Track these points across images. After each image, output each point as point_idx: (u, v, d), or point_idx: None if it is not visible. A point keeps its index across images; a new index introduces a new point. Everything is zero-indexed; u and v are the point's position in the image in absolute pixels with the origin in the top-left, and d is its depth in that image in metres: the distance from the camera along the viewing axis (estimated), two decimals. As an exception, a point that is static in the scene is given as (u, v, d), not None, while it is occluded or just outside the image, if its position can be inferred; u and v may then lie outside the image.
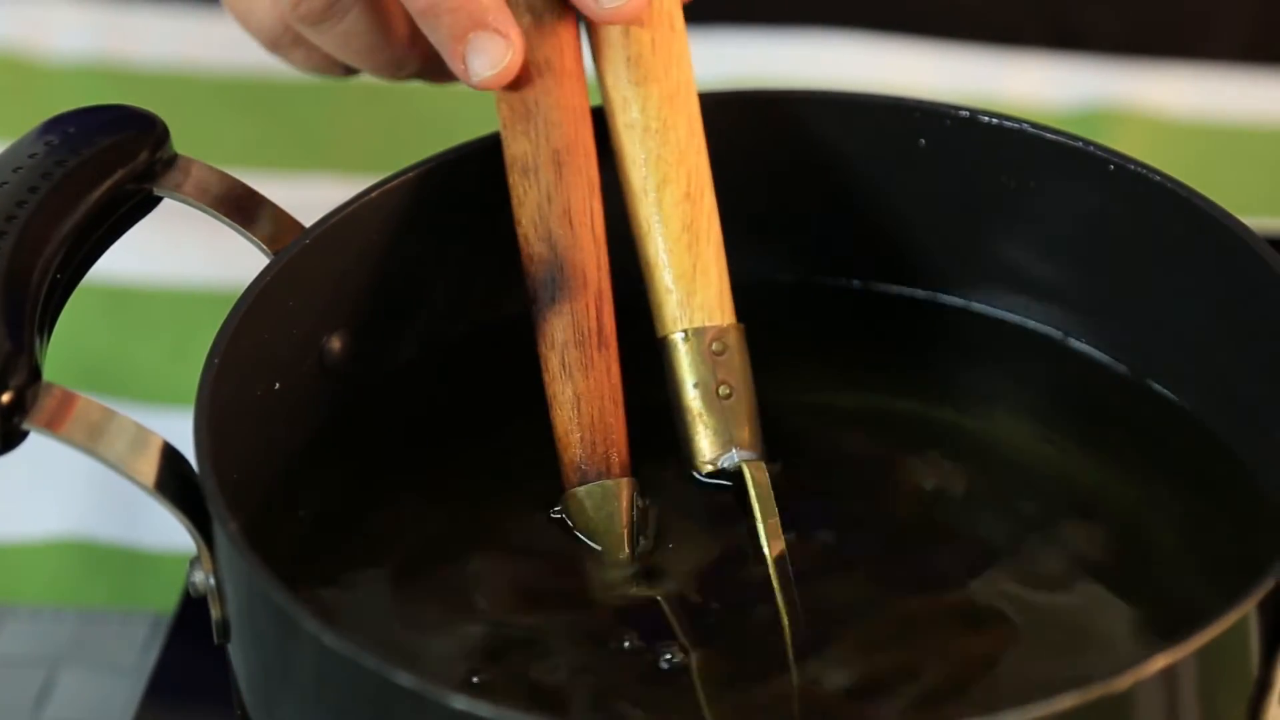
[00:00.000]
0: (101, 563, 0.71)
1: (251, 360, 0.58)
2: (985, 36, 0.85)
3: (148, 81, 0.85)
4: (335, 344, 0.61)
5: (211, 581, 0.55)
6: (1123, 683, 0.50)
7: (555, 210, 0.59)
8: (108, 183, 0.58)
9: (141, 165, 0.59)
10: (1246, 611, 0.51)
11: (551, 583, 0.58)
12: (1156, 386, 0.61)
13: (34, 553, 0.71)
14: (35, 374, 0.55)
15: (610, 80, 0.60)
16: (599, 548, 0.58)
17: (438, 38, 0.59)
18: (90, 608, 0.70)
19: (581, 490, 0.59)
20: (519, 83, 0.59)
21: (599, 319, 0.59)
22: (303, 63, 0.65)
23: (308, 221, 0.60)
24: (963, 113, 0.62)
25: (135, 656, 0.68)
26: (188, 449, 0.55)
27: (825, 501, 0.60)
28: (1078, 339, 0.63)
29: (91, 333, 0.77)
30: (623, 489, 0.59)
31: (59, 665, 0.68)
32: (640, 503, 0.59)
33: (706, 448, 0.59)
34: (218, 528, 0.54)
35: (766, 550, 0.57)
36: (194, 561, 0.55)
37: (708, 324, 0.59)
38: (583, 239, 0.59)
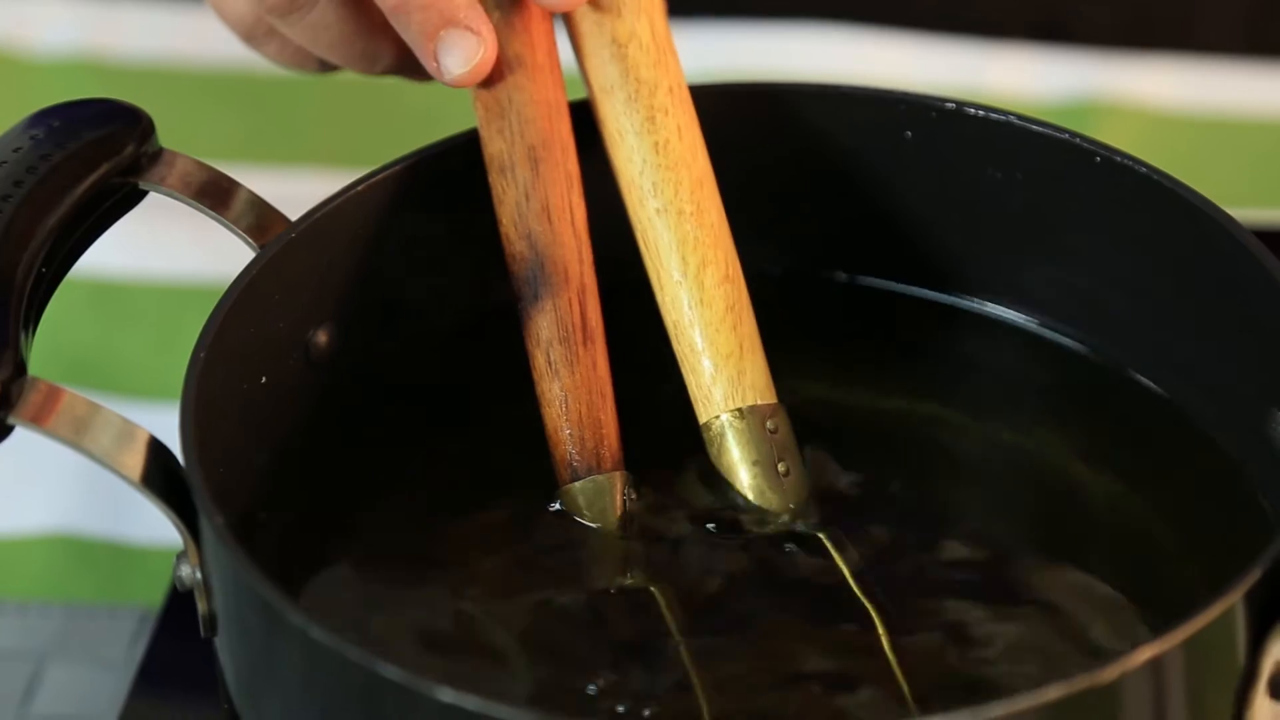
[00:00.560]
0: (88, 557, 0.71)
1: (237, 354, 0.58)
2: (974, 29, 0.85)
3: (133, 75, 0.85)
4: (321, 337, 0.61)
5: (198, 575, 0.55)
6: (1109, 674, 0.50)
7: (534, 207, 0.59)
8: (93, 177, 0.58)
9: (127, 159, 0.59)
10: (1233, 603, 0.51)
11: (542, 575, 0.58)
12: (1141, 378, 0.61)
13: (21, 547, 0.71)
14: (21, 368, 0.55)
15: (636, 169, 0.60)
16: (594, 539, 0.58)
17: (409, 35, 0.59)
18: (77, 602, 0.70)
19: (575, 486, 0.59)
20: (491, 80, 0.59)
21: (583, 314, 0.59)
22: (277, 55, 0.65)
23: (293, 215, 0.60)
24: (949, 105, 0.62)
25: (122, 650, 0.68)
26: (174, 443, 0.55)
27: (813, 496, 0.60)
28: (1063, 331, 0.63)
29: (77, 327, 0.77)
30: (615, 483, 0.59)
31: (46, 659, 0.68)
32: (633, 495, 0.59)
33: (773, 524, 0.59)
34: (204, 522, 0.54)
35: (861, 596, 0.57)
36: (180, 556, 0.55)
37: (760, 402, 0.59)
38: (563, 235, 0.59)
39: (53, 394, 0.54)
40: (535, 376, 0.60)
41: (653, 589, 0.57)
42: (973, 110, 0.62)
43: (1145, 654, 0.50)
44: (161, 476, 0.54)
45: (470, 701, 0.49)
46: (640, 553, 0.59)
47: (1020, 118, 0.61)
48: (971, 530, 0.59)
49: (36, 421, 0.54)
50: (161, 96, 0.83)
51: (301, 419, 0.60)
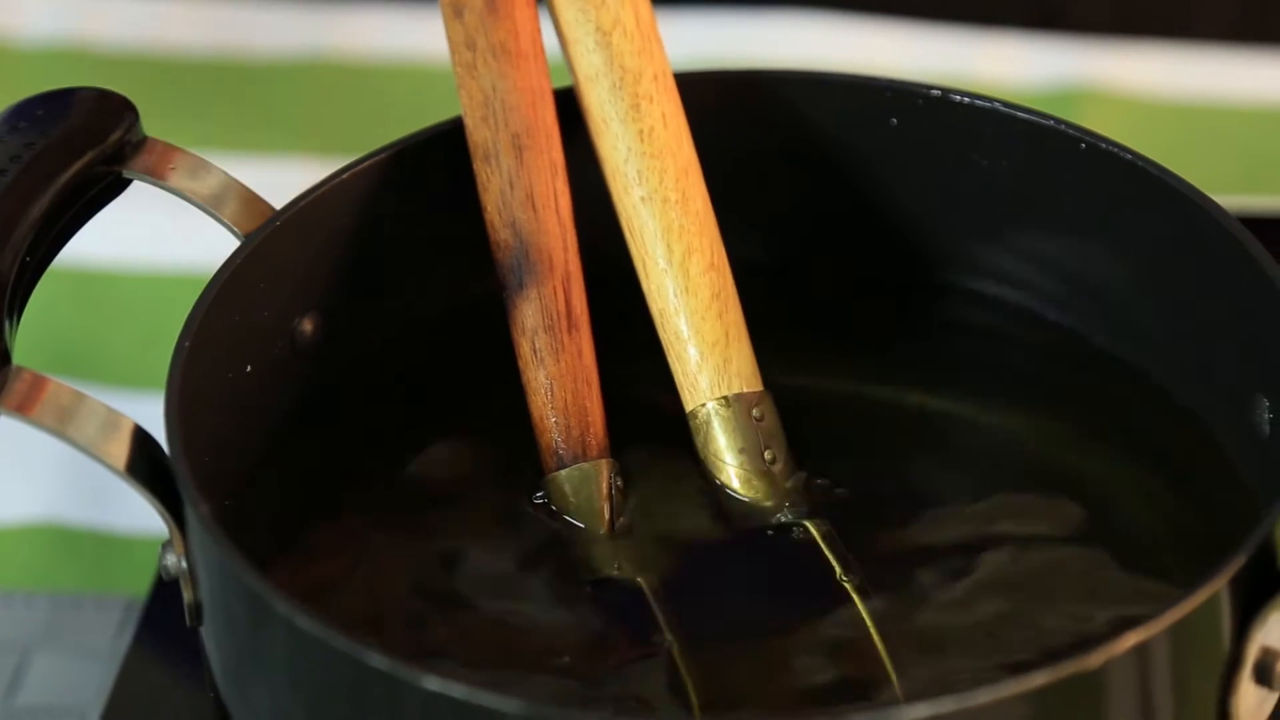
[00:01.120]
0: (74, 547, 0.71)
1: (223, 343, 0.58)
2: (962, 16, 0.85)
3: (117, 64, 0.85)
4: (307, 326, 0.61)
5: (183, 564, 0.55)
6: (1095, 660, 0.50)
7: (518, 195, 0.59)
8: (77, 165, 0.58)
9: (111, 148, 0.59)
10: (1218, 588, 0.51)
11: (529, 565, 0.58)
12: (1129, 363, 0.61)
13: (6, 537, 0.71)
14: (5, 358, 0.55)
15: (621, 156, 0.60)
16: (580, 527, 0.58)
17: None
18: (63, 592, 0.70)
19: (561, 474, 0.59)
20: (476, 68, 0.59)
21: (567, 302, 0.59)
22: None
23: (278, 203, 0.60)
24: (934, 92, 0.62)
25: (108, 640, 0.68)
26: (159, 432, 0.55)
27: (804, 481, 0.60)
28: (1050, 316, 0.63)
29: (62, 316, 0.77)
30: (601, 470, 0.59)
31: (32, 650, 0.68)
32: (619, 483, 0.59)
33: (760, 512, 0.59)
34: (189, 511, 0.54)
35: (849, 587, 0.57)
36: (166, 545, 0.55)
37: (746, 390, 0.59)
38: (547, 222, 0.59)
39: (37, 383, 0.54)
40: (520, 364, 0.60)
41: (638, 578, 0.57)
42: (958, 97, 0.62)
43: (1131, 640, 0.50)
44: (146, 465, 0.54)
45: (456, 689, 0.49)
46: (626, 541, 0.59)
47: (1005, 105, 0.61)
48: (958, 515, 0.59)
49: (21, 411, 0.54)
50: (146, 85, 0.83)
51: (287, 408, 0.60)
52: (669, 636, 0.56)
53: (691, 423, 0.60)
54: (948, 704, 0.49)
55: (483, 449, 0.61)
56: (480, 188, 0.60)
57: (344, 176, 0.60)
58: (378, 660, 0.50)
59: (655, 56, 0.60)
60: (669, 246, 0.60)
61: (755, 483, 0.59)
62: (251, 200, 0.60)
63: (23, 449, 0.72)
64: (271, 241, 0.59)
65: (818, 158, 0.63)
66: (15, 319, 0.56)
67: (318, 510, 0.59)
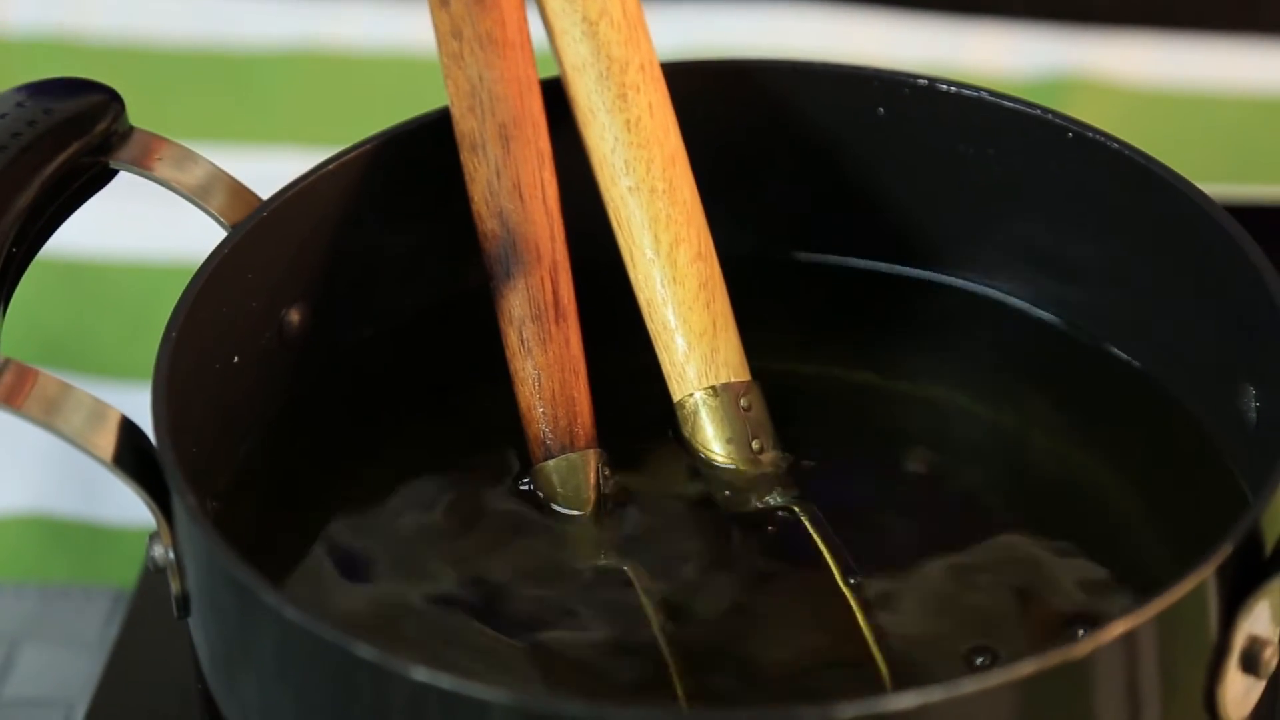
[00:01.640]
0: (62, 538, 0.71)
1: (209, 334, 0.58)
2: (949, 5, 0.85)
3: (103, 54, 0.85)
4: (294, 317, 0.61)
5: (171, 556, 0.55)
6: (1082, 649, 0.50)
7: (505, 185, 0.59)
8: (63, 156, 0.58)
9: (97, 138, 0.59)
10: (1205, 577, 0.51)
11: (518, 555, 0.58)
12: (1114, 352, 0.61)
13: (-6, 529, 0.71)
14: (-9, 349, 0.54)
15: (608, 146, 0.60)
16: (568, 517, 0.58)
17: None
18: (51, 583, 0.70)
19: (549, 464, 0.59)
20: (462, 58, 0.59)
21: (555, 292, 0.59)
22: None
23: (265, 194, 0.60)
24: (921, 81, 0.62)
25: (96, 631, 0.68)
26: (147, 423, 0.55)
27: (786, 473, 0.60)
28: (1037, 306, 0.63)
29: (49, 307, 0.76)
30: (589, 460, 0.59)
31: (20, 641, 0.68)
32: (607, 473, 0.59)
33: (747, 500, 0.59)
34: (176, 502, 0.54)
35: (837, 574, 0.57)
36: (153, 536, 0.55)
37: (734, 380, 0.59)
38: (534, 212, 0.59)
39: (24, 374, 0.54)
40: (508, 355, 0.60)
41: (626, 567, 0.57)
42: (945, 87, 0.62)
43: (1118, 629, 0.50)
44: (133, 457, 0.54)
45: (444, 680, 0.49)
46: (614, 531, 0.59)
47: (992, 94, 0.61)
48: (945, 504, 0.59)
49: (8, 402, 0.54)
50: (132, 75, 0.83)
51: (275, 398, 0.60)
52: (656, 626, 0.56)
53: (679, 412, 0.60)
54: (936, 693, 0.49)
55: (470, 439, 0.61)
56: (467, 178, 0.60)
57: (330, 167, 0.60)
58: (365, 651, 0.50)
59: (642, 46, 0.60)
60: (656, 236, 0.60)
61: (743, 472, 0.59)
62: (238, 191, 0.60)
63: (10, 440, 0.72)
64: (258, 232, 0.59)
65: (804, 147, 0.63)
66: (2, 310, 0.56)
67: (306, 500, 0.59)
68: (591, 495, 0.59)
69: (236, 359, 0.59)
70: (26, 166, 0.57)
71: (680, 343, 0.60)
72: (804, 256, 0.65)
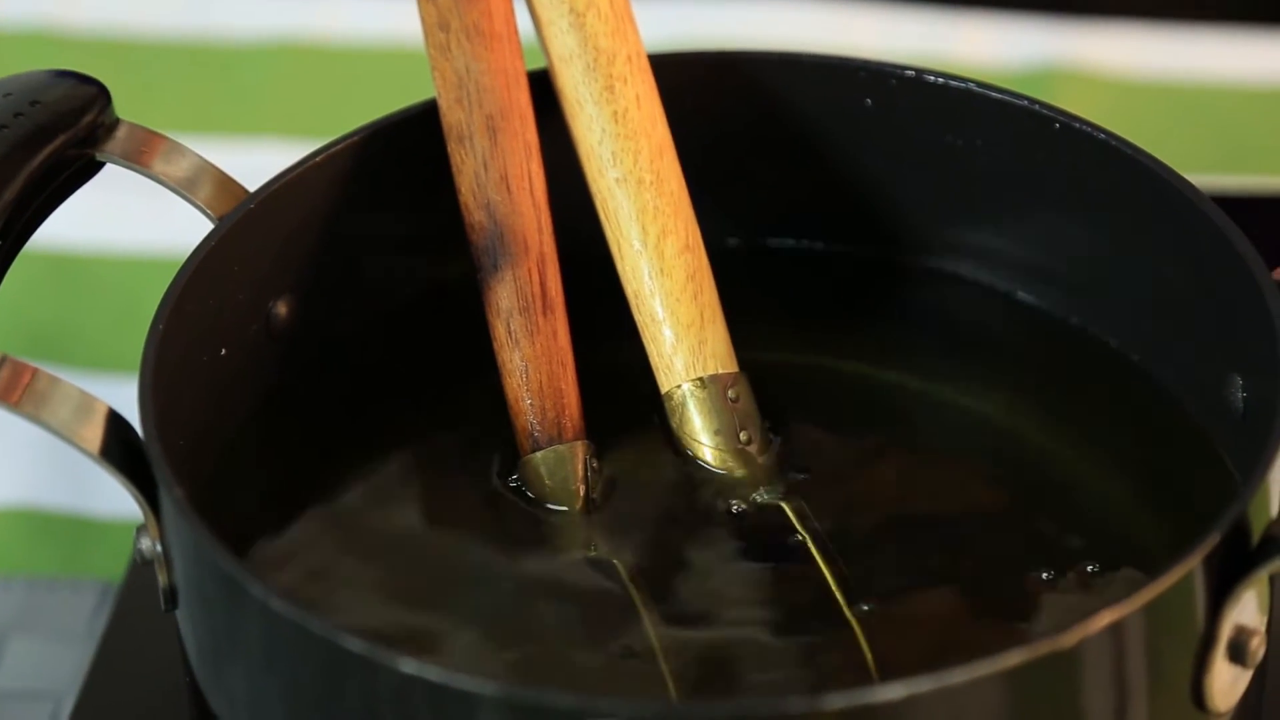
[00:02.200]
0: (49, 531, 0.71)
1: (197, 326, 0.58)
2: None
3: (89, 46, 0.85)
4: (281, 309, 0.60)
5: (158, 548, 0.55)
6: (1070, 639, 0.50)
7: (492, 177, 0.59)
8: (49, 148, 0.58)
9: (83, 130, 0.59)
10: (1192, 567, 0.51)
11: (505, 547, 0.58)
12: (1102, 340, 0.61)
13: (-19, 522, 0.71)
14: (-22, 342, 0.54)
15: (596, 138, 0.60)
16: (556, 509, 0.58)
17: None
18: (39, 576, 0.70)
19: (536, 456, 0.59)
20: (449, 50, 0.59)
21: (542, 284, 0.59)
22: None
23: (252, 186, 0.60)
24: (908, 72, 0.62)
25: (84, 624, 0.68)
26: (134, 416, 0.55)
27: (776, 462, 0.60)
28: (1024, 294, 0.63)
29: (35, 300, 0.76)
30: (576, 452, 0.59)
31: (8, 634, 0.68)
32: (595, 464, 0.59)
33: (735, 492, 0.59)
34: (163, 494, 0.53)
35: (824, 565, 0.57)
36: (141, 529, 0.55)
37: (721, 371, 0.59)
38: (521, 204, 0.59)
39: (11, 367, 0.54)
40: (496, 347, 0.60)
41: (614, 560, 0.57)
42: (932, 78, 0.62)
43: (1105, 618, 0.50)
44: (121, 449, 0.54)
45: (432, 672, 0.49)
46: (602, 523, 0.59)
47: (979, 85, 0.61)
48: (934, 494, 0.59)
49: (4, 399, 0.54)
50: (119, 67, 0.83)
51: (262, 391, 0.60)
52: (645, 618, 0.56)
53: (667, 404, 0.60)
54: (924, 684, 0.49)
55: (458, 432, 0.61)
56: (454, 170, 0.60)
57: (318, 159, 0.60)
58: (353, 643, 0.50)
59: (629, 37, 0.60)
60: (644, 228, 0.60)
61: (731, 463, 0.59)
62: (225, 183, 0.60)
63: (-3, 433, 0.72)
64: (245, 224, 0.59)
65: (792, 138, 0.63)
66: (-11, 303, 0.56)
67: (294, 493, 0.59)
68: (579, 487, 0.59)
69: (224, 351, 0.59)
70: (12, 159, 0.57)
71: (668, 334, 0.60)
72: (792, 247, 0.65)
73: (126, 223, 0.78)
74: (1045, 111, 0.60)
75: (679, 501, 0.59)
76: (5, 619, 0.68)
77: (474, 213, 0.60)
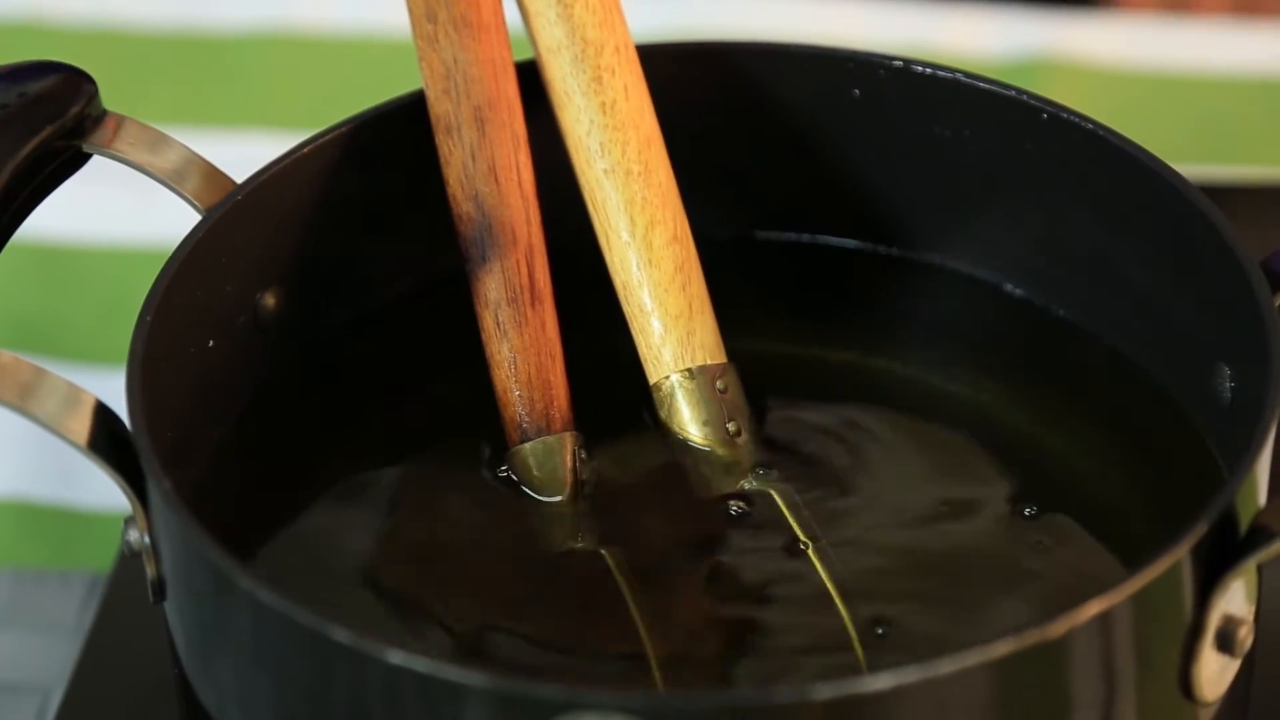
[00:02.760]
0: (38, 523, 0.71)
1: (184, 318, 0.57)
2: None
3: (76, 37, 0.85)
4: (269, 301, 0.60)
5: (146, 540, 0.54)
6: (1058, 629, 0.50)
7: (480, 168, 0.59)
8: (36, 140, 0.58)
9: (70, 122, 0.59)
10: (1180, 556, 0.51)
11: (494, 539, 0.58)
12: (1091, 332, 0.62)
13: (-31, 514, 0.71)
14: (-35, 334, 0.54)
15: (584, 129, 0.60)
16: (544, 500, 0.58)
17: None
18: (27, 568, 0.69)
19: (525, 447, 0.59)
20: (437, 41, 0.59)
21: (530, 275, 0.59)
22: None
23: (239, 178, 0.60)
24: (896, 63, 0.62)
25: (73, 616, 0.68)
26: (122, 408, 0.55)
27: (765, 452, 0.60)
28: (1012, 285, 0.63)
29: (22, 291, 0.76)
30: (565, 443, 0.59)
31: (-4, 626, 0.68)
32: (583, 455, 0.59)
33: (723, 482, 0.59)
34: (151, 486, 0.53)
35: (813, 554, 0.57)
36: (129, 520, 0.55)
37: (710, 362, 0.59)
38: (509, 195, 0.59)
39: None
40: (484, 338, 0.60)
41: (603, 550, 0.57)
42: (920, 68, 0.62)
43: (1093, 608, 0.50)
44: (108, 441, 0.54)
45: (420, 664, 0.49)
46: (590, 514, 0.59)
47: (967, 75, 0.61)
48: (923, 484, 0.59)
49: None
50: (106, 58, 0.83)
51: (250, 383, 0.60)
52: (633, 608, 0.56)
53: (655, 395, 0.60)
54: (911, 674, 0.49)
55: (447, 422, 0.61)
56: (442, 161, 0.60)
57: (305, 150, 0.60)
58: (341, 635, 0.50)
59: (617, 28, 0.60)
60: (632, 219, 0.60)
61: (719, 454, 0.59)
62: (212, 174, 0.60)
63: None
64: (233, 216, 0.59)
65: (780, 129, 0.63)
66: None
67: (281, 485, 0.59)
68: (568, 478, 0.59)
69: (211, 343, 0.59)
70: (-1, 151, 0.57)
71: (656, 325, 0.60)
72: (779, 238, 0.65)
73: (114, 214, 0.78)
74: (1033, 102, 0.60)
75: (668, 492, 0.59)
76: (-7, 611, 0.68)
77: (462, 204, 0.60)
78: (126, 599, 0.66)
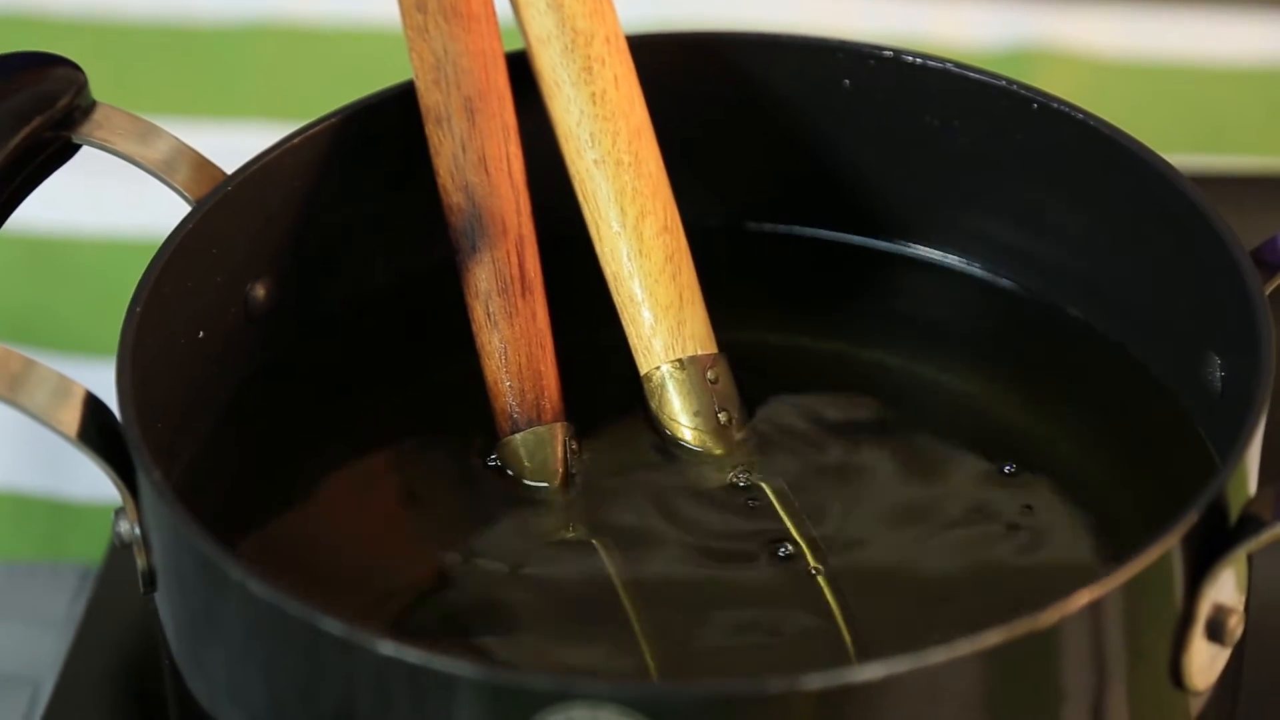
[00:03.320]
0: (28, 515, 0.71)
1: (174, 309, 0.57)
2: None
3: (65, 28, 0.84)
4: (259, 292, 0.60)
5: (137, 531, 0.54)
6: (1048, 618, 0.50)
7: (470, 159, 0.59)
8: (25, 130, 0.58)
9: (60, 112, 0.58)
10: (1170, 546, 0.51)
11: (485, 529, 0.58)
12: (1082, 322, 0.62)
13: (-40, 506, 0.71)
14: (-46, 325, 0.54)
15: (574, 119, 0.60)
16: (535, 490, 0.59)
17: None
18: (17, 560, 0.69)
19: (516, 438, 0.59)
20: (427, 31, 0.59)
21: (521, 265, 0.59)
22: None
23: (229, 168, 0.60)
24: (886, 53, 0.62)
25: (63, 607, 0.68)
26: (112, 399, 0.55)
27: (753, 443, 0.60)
28: (1003, 274, 0.63)
29: (11, 283, 0.76)
30: (556, 434, 0.59)
31: (-14, 618, 0.68)
32: (574, 446, 0.59)
33: (714, 473, 0.59)
34: (142, 477, 0.53)
35: (803, 545, 0.57)
36: (119, 512, 0.55)
37: (700, 353, 0.59)
38: (500, 186, 0.59)
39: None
40: (474, 328, 0.60)
41: (594, 541, 0.57)
42: (910, 58, 0.62)
43: (1084, 598, 0.50)
44: (98, 432, 0.54)
45: (411, 654, 0.49)
46: (582, 505, 0.59)
47: (957, 65, 0.61)
48: (914, 474, 0.59)
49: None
50: (95, 49, 0.83)
51: (241, 374, 0.60)
52: (625, 598, 0.56)
53: (646, 385, 0.60)
54: (902, 664, 0.49)
55: (437, 413, 0.61)
56: (432, 151, 0.60)
57: (295, 141, 0.60)
58: (332, 626, 0.50)
59: (607, 18, 0.60)
60: (622, 210, 0.60)
61: (710, 444, 0.59)
62: (202, 165, 0.60)
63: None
64: (223, 207, 0.59)
65: (770, 119, 0.63)
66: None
67: (272, 475, 0.59)
68: (559, 468, 0.59)
69: (202, 334, 0.59)
70: (-12, 142, 0.57)
71: (647, 316, 0.60)
72: (770, 228, 0.65)
73: (103, 205, 0.78)
74: (1023, 92, 0.61)
75: (658, 483, 0.59)
76: (-16, 603, 0.68)
77: (452, 194, 0.60)
78: (117, 590, 0.65)
